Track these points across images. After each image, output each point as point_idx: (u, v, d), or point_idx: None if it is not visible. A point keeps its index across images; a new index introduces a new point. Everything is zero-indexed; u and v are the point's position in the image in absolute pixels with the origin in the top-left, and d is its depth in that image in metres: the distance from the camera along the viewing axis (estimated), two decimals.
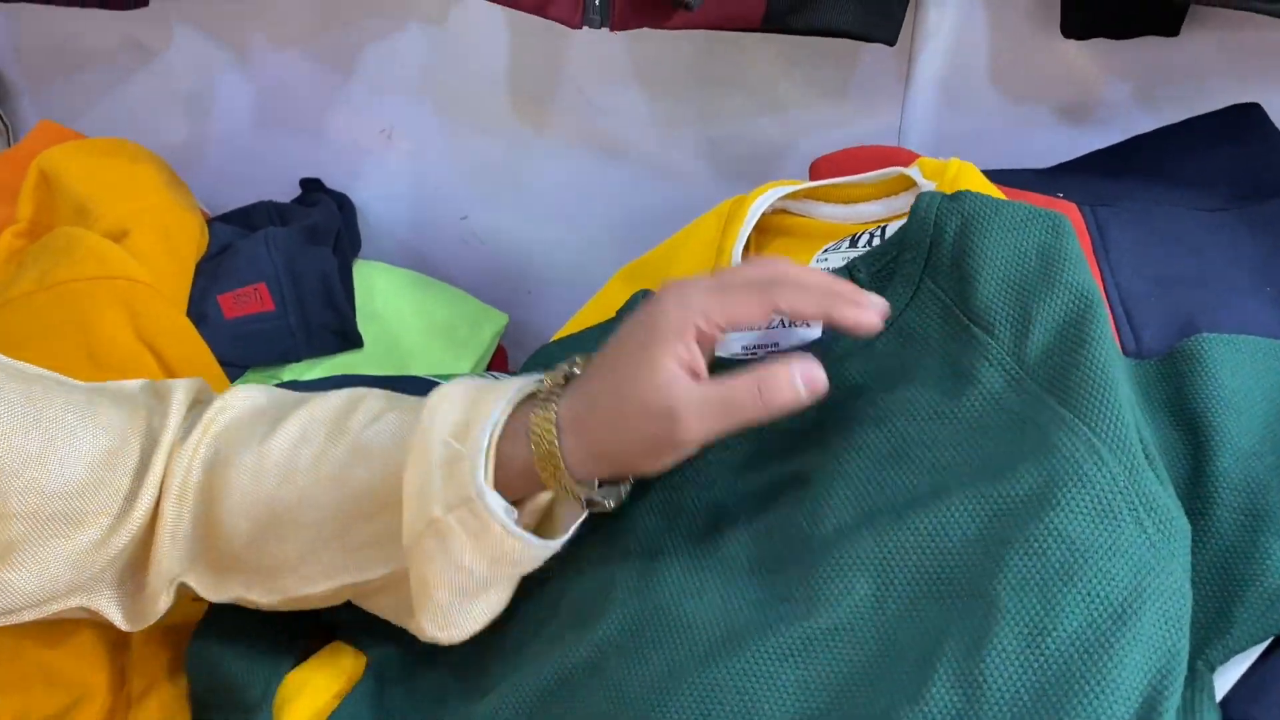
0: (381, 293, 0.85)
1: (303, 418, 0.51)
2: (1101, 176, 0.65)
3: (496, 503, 0.44)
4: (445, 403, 0.46)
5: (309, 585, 0.49)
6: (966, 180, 0.55)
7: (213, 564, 0.51)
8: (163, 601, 0.51)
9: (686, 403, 0.43)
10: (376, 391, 0.53)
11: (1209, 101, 0.69)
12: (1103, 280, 0.56)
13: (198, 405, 0.53)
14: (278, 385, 0.73)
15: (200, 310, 0.74)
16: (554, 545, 0.46)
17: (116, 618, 0.51)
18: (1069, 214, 0.59)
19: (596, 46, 0.84)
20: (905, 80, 0.75)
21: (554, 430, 0.45)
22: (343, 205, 0.91)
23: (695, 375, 0.44)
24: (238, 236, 0.81)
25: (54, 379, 0.51)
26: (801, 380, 0.43)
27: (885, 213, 0.60)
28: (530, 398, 0.47)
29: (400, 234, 0.95)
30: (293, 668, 0.53)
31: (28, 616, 0.49)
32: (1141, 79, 0.72)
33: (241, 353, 0.75)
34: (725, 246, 0.60)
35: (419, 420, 0.46)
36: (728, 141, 0.83)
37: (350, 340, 0.79)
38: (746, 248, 0.62)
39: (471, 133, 0.91)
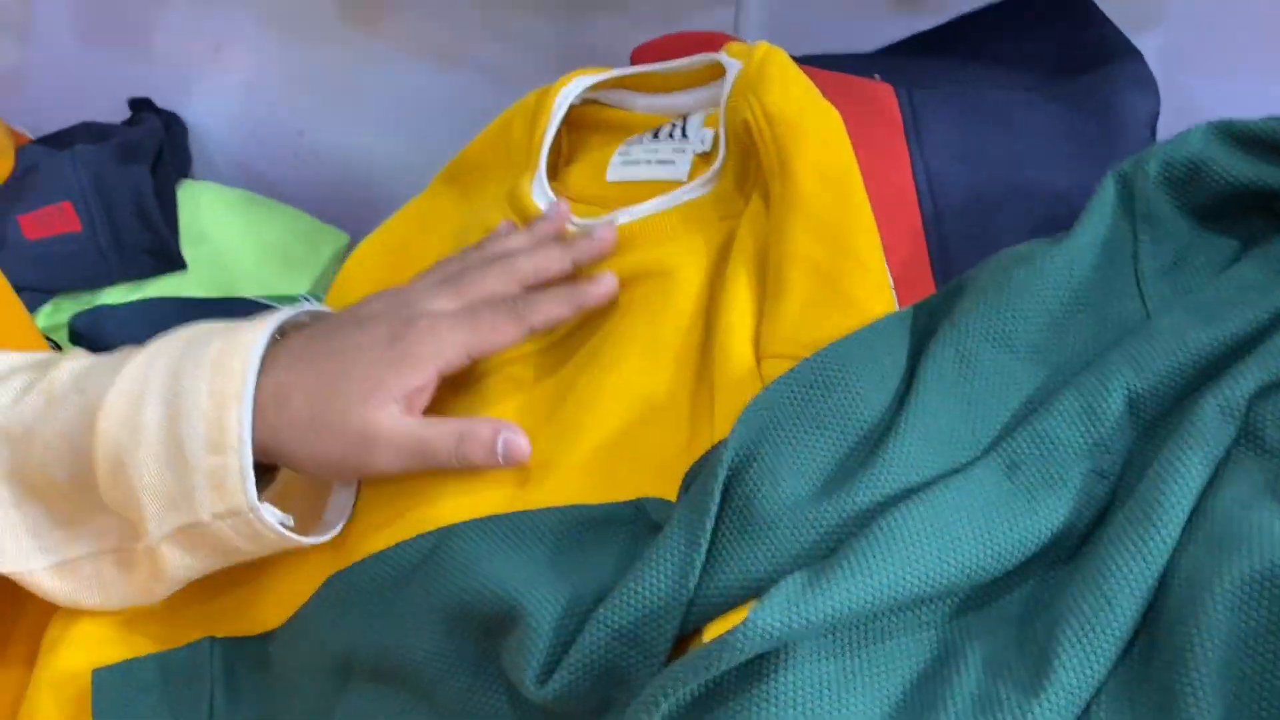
0: (209, 212, 0.81)
1: None
2: (921, 59, 0.63)
3: (274, 515, 0.42)
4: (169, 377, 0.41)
5: None
6: (773, 64, 0.53)
7: None
8: None
9: (387, 434, 0.42)
10: (45, 358, 0.46)
11: None
12: (910, 160, 0.54)
13: None
14: (92, 310, 0.70)
15: (0, 233, 0.70)
16: (334, 532, 0.44)
17: None
18: (884, 97, 0.58)
19: None
20: None
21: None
22: (171, 125, 0.86)
23: (409, 408, 0.43)
24: (47, 156, 0.77)
25: None
26: (503, 448, 0.43)
27: (693, 104, 0.57)
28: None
29: (235, 153, 0.91)
30: None
31: None
32: None
33: (47, 276, 0.71)
34: (533, 146, 0.57)
35: (124, 397, 0.41)
36: (562, 40, 0.80)
37: (171, 262, 0.76)
38: (557, 144, 0.59)
39: (304, 44, 0.86)
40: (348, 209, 0.89)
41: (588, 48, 0.80)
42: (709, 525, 0.36)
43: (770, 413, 0.39)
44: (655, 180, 0.53)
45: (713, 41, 0.64)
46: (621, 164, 0.54)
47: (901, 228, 0.50)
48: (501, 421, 0.44)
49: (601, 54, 0.80)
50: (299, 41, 0.86)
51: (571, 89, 0.57)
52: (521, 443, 0.43)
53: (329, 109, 0.88)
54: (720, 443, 0.40)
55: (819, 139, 0.47)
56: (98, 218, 0.72)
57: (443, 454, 0.42)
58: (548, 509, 0.42)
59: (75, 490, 0.43)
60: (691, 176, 0.52)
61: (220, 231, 0.80)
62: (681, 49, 0.64)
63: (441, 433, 0.43)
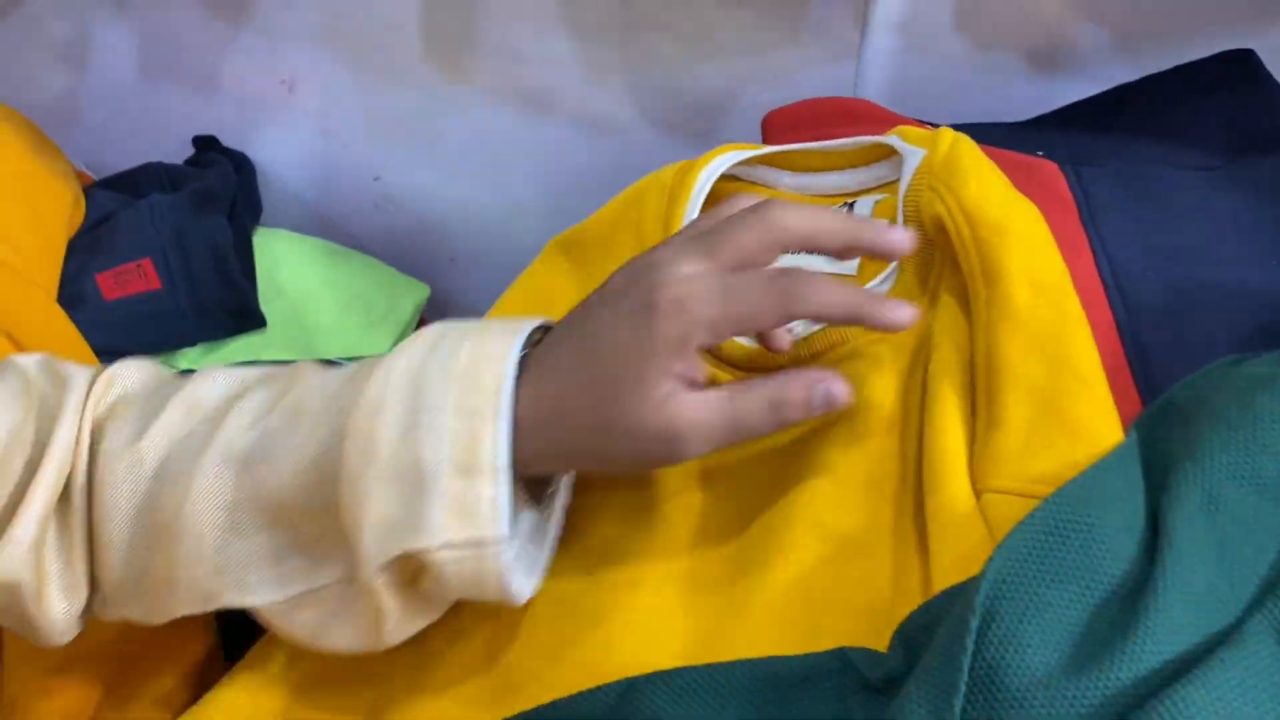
0: (286, 264, 0.77)
1: (181, 406, 0.43)
2: (1083, 132, 0.59)
3: (511, 553, 0.38)
4: (407, 390, 0.38)
5: (186, 607, 0.42)
6: (964, 155, 0.49)
7: (100, 578, 0.43)
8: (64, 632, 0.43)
9: (691, 424, 0.38)
10: (277, 373, 0.44)
11: (1191, 46, 0.64)
12: (1091, 251, 0.50)
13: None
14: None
15: (76, 291, 0.65)
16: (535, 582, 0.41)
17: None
18: (1052, 176, 0.54)
19: None
20: (861, 23, 0.68)
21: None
22: (240, 166, 0.82)
23: (694, 384, 0.39)
24: (120, 204, 0.72)
25: None
26: (822, 399, 0.39)
27: (854, 185, 0.53)
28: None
29: (306, 197, 0.86)
30: None
31: None
32: (1118, 22, 0.66)
33: (126, 339, 0.66)
34: (671, 225, 0.52)
35: (378, 406, 0.38)
36: (665, 91, 0.76)
37: (251, 319, 0.71)
38: None
39: (382, 84, 0.82)
40: (425, 259, 0.85)
41: (693, 101, 0.76)
42: (958, 705, 0.32)
43: (1008, 565, 0.34)
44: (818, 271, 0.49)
45: (848, 109, 0.60)
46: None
47: (1094, 331, 0.46)
48: (809, 373, 0.39)
49: (706, 107, 0.76)
50: (378, 81, 0.82)
51: (716, 166, 0.52)
52: (838, 389, 0.39)
53: (408, 153, 0.84)
54: (950, 596, 0.36)
55: (1027, 243, 0.43)
56: (178, 275, 0.68)
57: (760, 426, 0.39)
58: (741, 662, 0.37)
59: (323, 516, 0.39)
60: (862, 272, 0.48)
61: (297, 284, 0.76)
62: (817, 116, 0.60)
63: (752, 407, 0.39)
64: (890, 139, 0.50)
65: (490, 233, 0.85)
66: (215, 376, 0.44)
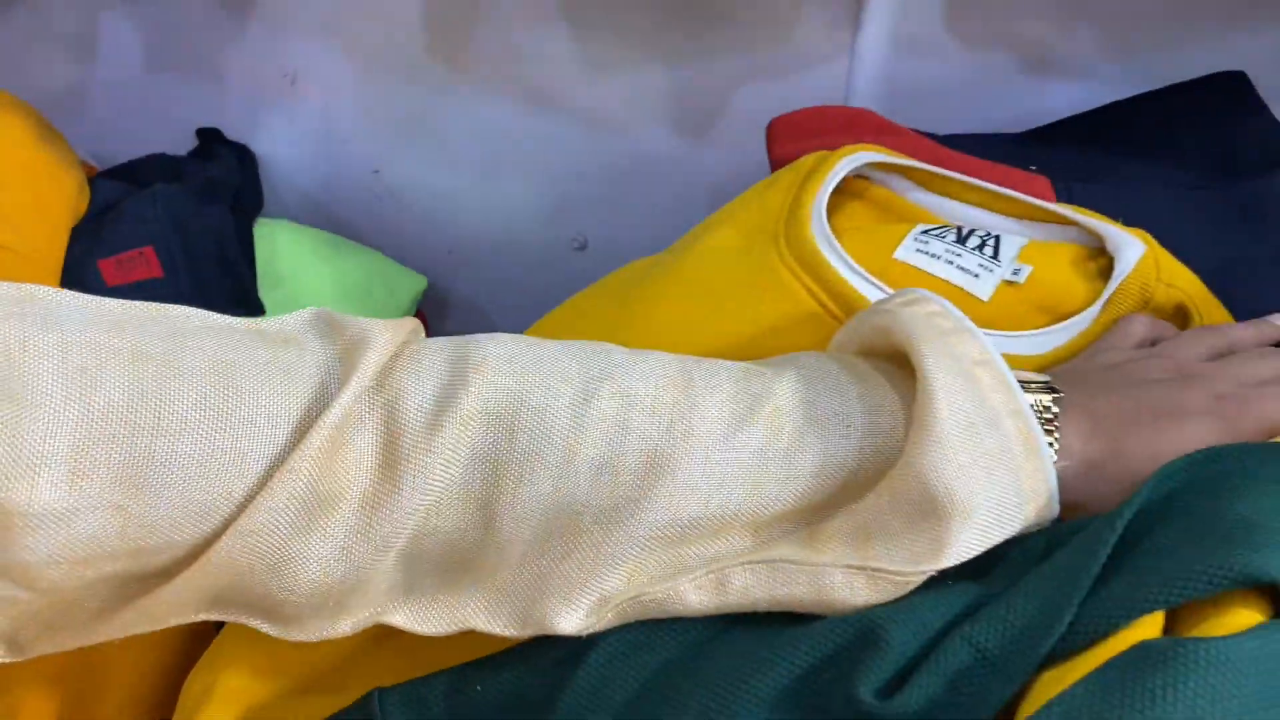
0: (286, 254, 0.77)
1: (613, 398, 0.38)
2: (1076, 148, 0.60)
3: None
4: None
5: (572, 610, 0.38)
6: (1169, 259, 0.50)
7: (447, 584, 0.39)
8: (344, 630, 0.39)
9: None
10: (686, 366, 0.40)
11: (1184, 50, 0.65)
12: None
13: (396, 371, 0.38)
14: None
15: (78, 278, 0.66)
16: None
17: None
18: (1042, 190, 0.55)
19: None
20: (853, 25, 0.69)
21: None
22: (243, 158, 0.83)
23: None
24: (124, 194, 0.73)
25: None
26: None
27: (997, 228, 0.53)
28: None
29: (307, 189, 0.87)
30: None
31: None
32: (1109, 24, 0.67)
33: None
34: (802, 199, 0.53)
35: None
36: (662, 90, 0.77)
37: (250, 308, 0.72)
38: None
39: (384, 78, 0.83)
40: (423, 251, 0.86)
41: (689, 99, 0.77)
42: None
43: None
44: (947, 281, 0.50)
45: (854, 121, 0.61)
46: (915, 250, 0.51)
47: None
48: None
49: (704, 107, 0.77)
50: (379, 75, 0.83)
51: (851, 161, 0.54)
52: None
53: (408, 147, 0.85)
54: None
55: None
56: (179, 262, 0.68)
57: None
58: None
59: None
60: (994, 303, 0.50)
61: (297, 274, 0.76)
62: (821, 126, 0.61)
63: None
64: (1081, 217, 0.51)
65: (488, 226, 0.86)
66: (634, 367, 0.40)
